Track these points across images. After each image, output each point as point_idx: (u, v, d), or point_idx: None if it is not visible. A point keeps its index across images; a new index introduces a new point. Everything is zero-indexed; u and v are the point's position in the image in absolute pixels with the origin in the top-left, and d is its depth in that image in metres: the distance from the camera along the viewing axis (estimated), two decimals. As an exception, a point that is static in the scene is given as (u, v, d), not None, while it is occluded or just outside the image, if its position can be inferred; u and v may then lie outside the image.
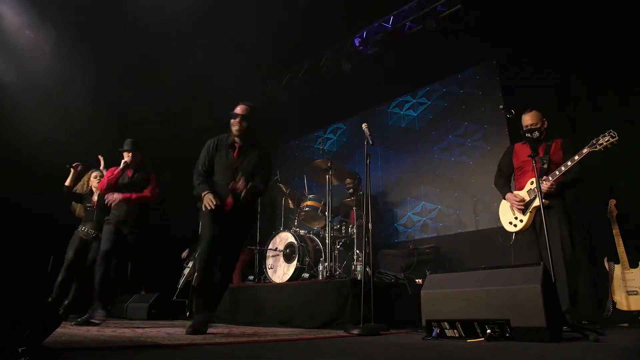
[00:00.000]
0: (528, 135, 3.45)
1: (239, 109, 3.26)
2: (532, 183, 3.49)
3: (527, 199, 3.48)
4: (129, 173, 4.27)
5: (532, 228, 3.48)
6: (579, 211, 4.14)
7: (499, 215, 3.73)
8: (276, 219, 6.49)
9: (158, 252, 6.07)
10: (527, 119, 3.60)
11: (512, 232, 3.59)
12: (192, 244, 6.14)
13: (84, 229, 4.75)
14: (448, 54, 5.71)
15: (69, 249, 4.69)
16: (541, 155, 3.45)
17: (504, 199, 3.67)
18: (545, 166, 3.40)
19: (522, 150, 3.68)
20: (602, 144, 3.14)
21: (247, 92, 7.27)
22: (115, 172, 4.18)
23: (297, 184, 6.22)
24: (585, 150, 3.19)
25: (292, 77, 7.35)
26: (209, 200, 3.03)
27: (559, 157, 3.41)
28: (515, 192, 3.59)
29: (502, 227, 3.68)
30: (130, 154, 4.26)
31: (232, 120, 3.28)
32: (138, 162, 4.28)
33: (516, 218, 3.55)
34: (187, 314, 5.63)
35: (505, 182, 3.76)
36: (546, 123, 3.61)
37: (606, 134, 3.13)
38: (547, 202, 3.21)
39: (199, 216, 3.20)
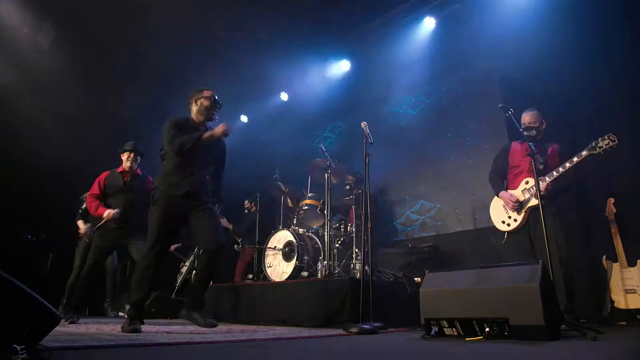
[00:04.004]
0: (526, 133, 3.46)
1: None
2: (526, 183, 3.50)
3: (522, 198, 3.49)
4: (126, 178, 4.19)
5: (525, 227, 3.48)
6: (575, 210, 4.14)
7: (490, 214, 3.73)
8: (275, 217, 6.48)
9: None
10: (527, 118, 3.61)
11: (504, 231, 3.60)
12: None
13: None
14: (447, 52, 5.70)
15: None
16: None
17: (497, 196, 3.68)
18: (541, 167, 3.41)
19: (518, 150, 3.68)
20: (601, 147, 3.13)
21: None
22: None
23: (296, 183, 6.20)
24: (584, 153, 3.18)
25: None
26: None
27: (556, 163, 3.40)
28: (510, 192, 3.59)
29: (495, 227, 3.69)
30: (131, 156, 4.19)
31: (212, 104, 3.27)
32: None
33: (510, 217, 3.55)
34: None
35: (500, 180, 3.76)
36: (545, 124, 3.62)
37: (605, 137, 3.12)
38: (543, 202, 3.21)
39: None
